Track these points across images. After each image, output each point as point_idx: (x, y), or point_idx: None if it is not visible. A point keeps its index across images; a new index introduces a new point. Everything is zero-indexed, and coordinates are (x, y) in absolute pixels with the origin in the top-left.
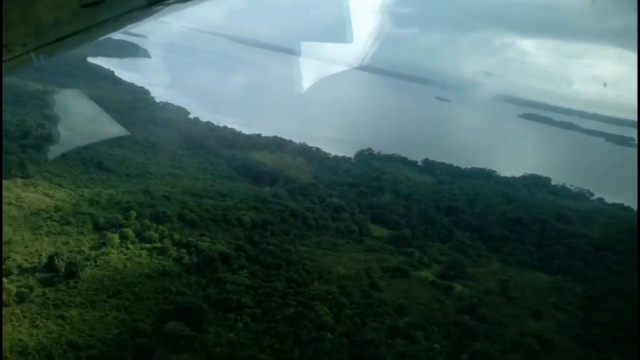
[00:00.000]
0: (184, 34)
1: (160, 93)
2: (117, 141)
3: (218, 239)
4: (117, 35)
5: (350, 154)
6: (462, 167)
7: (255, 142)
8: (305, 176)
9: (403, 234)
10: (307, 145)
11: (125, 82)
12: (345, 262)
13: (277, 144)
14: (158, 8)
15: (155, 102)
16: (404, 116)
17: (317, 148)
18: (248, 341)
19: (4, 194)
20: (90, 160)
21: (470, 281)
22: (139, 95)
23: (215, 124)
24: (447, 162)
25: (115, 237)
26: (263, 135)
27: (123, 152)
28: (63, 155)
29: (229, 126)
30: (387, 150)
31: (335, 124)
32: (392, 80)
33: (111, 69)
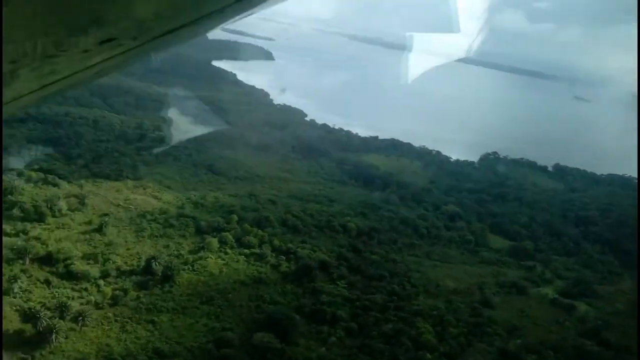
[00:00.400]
0: (309, 35)
1: (279, 95)
2: (230, 143)
3: (320, 246)
4: (244, 39)
5: (474, 157)
6: (598, 173)
7: (371, 144)
8: (421, 181)
9: (524, 246)
10: (426, 148)
11: (246, 84)
12: (456, 275)
13: (394, 147)
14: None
15: (273, 104)
16: (537, 116)
17: (437, 151)
18: (339, 358)
19: (115, 195)
20: (201, 163)
21: (596, 300)
22: (259, 97)
23: (331, 126)
24: (581, 167)
25: (214, 242)
26: (380, 137)
27: (235, 155)
28: (175, 158)
29: (345, 128)
30: (515, 154)
31: (460, 125)
32: (527, 79)
33: (234, 72)
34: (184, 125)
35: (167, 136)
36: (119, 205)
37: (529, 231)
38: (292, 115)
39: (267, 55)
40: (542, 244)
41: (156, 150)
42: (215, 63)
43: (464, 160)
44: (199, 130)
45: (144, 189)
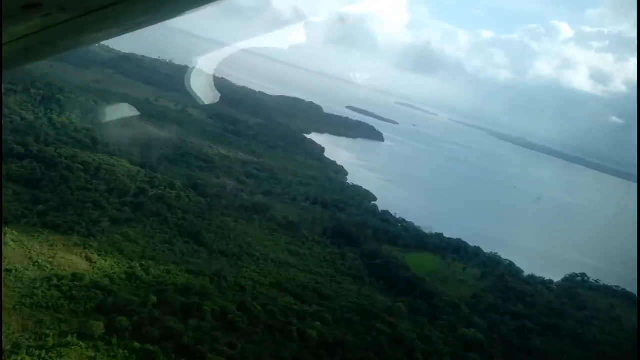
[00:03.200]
0: (441, 124)
1: (360, 176)
2: (249, 216)
3: (249, 355)
4: (364, 118)
5: (556, 276)
6: None
7: (429, 242)
8: (462, 293)
9: None
10: (497, 256)
11: (327, 159)
12: None
13: (456, 249)
14: None
15: (343, 182)
16: None
17: (510, 262)
18: None
19: (43, 250)
20: (190, 230)
21: None
22: (331, 173)
23: (393, 214)
24: None
25: (100, 326)
26: (447, 235)
27: (244, 228)
28: (162, 220)
29: (412, 221)
30: (612, 280)
31: (563, 235)
32: None
33: (324, 146)
34: (214, 189)
35: (177, 197)
36: (35, 262)
37: None
38: (354, 197)
39: (376, 136)
40: None
41: (145, 208)
42: (311, 135)
43: (539, 277)
44: (219, 195)
45: (85, 248)
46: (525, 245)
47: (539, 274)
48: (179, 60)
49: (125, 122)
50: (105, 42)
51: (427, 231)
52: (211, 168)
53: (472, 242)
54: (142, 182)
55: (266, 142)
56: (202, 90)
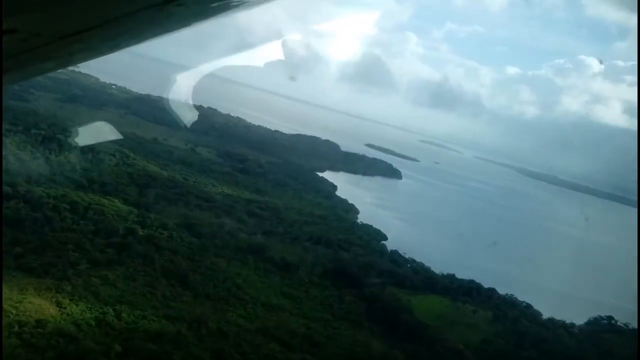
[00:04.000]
0: (467, 161)
1: (371, 214)
2: (244, 257)
3: None
4: (384, 156)
5: (579, 319)
6: None
7: (439, 283)
8: (469, 338)
9: None
10: (514, 298)
11: (338, 197)
12: None
13: (469, 290)
14: (175, 9)
15: (352, 221)
16: None
17: (527, 304)
18: None
19: (12, 294)
20: (176, 272)
21: None
22: (339, 211)
23: (402, 254)
24: None
25: None
26: (458, 276)
27: (238, 270)
28: (147, 262)
29: (424, 261)
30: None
31: (593, 278)
32: None
33: (337, 184)
34: (210, 229)
35: (169, 237)
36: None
37: None
38: (362, 236)
39: (394, 174)
40: None
41: (131, 249)
42: (325, 174)
43: (559, 321)
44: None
45: (58, 292)
46: (546, 286)
47: (559, 317)
48: (195, 101)
49: (125, 162)
50: (123, 84)
51: (437, 272)
52: (211, 207)
53: (487, 283)
54: (133, 222)
55: (274, 181)
56: (213, 129)
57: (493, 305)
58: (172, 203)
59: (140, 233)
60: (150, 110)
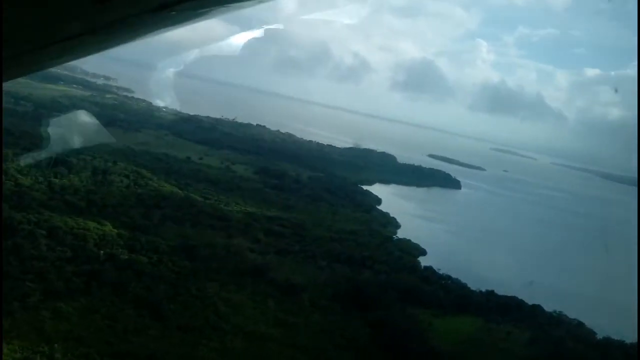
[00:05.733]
0: (542, 168)
1: (414, 228)
2: (240, 279)
3: None
4: (449, 168)
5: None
6: None
7: (473, 300)
8: None
9: None
10: (563, 315)
11: (379, 210)
12: None
13: (506, 308)
14: (171, 14)
15: (389, 236)
16: None
17: (579, 322)
18: None
19: None
20: (151, 301)
21: None
22: (376, 226)
23: (436, 269)
24: None
25: None
26: (499, 293)
27: (227, 295)
28: (119, 291)
29: (457, 276)
30: None
31: None
32: None
33: (381, 196)
34: (211, 250)
35: (157, 262)
36: None
37: None
38: (393, 252)
39: (452, 184)
40: None
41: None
42: (374, 186)
43: (617, 340)
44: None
45: None
46: (611, 302)
47: (619, 336)
48: (242, 118)
49: (138, 183)
50: (174, 106)
51: (475, 289)
52: (225, 227)
53: (534, 300)
54: (119, 246)
55: (310, 196)
56: (258, 146)
57: (534, 324)
58: (178, 223)
59: (123, 258)
60: (194, 130)
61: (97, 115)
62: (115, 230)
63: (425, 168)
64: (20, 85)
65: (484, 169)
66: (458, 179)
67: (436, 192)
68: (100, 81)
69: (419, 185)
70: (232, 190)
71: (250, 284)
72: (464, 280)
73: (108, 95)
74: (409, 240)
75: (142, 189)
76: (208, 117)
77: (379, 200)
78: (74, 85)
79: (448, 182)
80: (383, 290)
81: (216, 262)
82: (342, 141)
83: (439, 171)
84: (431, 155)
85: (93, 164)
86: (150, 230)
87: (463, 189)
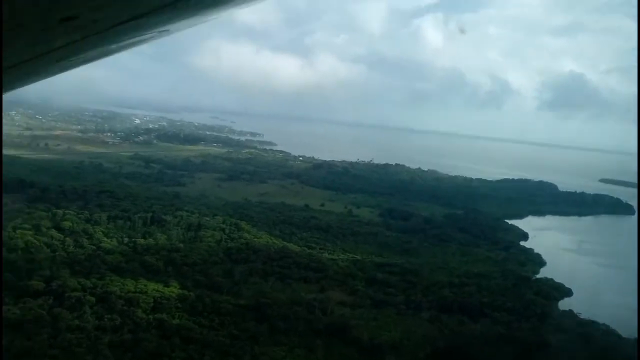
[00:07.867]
0: None
1: (565, 264)
2: (319, 339)
3: None
4: (627, 191)
5: None
6: None
7: (609, 353)
8: None
9: None
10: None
11: (521, 246)
12: None
13: None
14: (181, 5)
15: (525, 276)
16: None
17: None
18: None
19: None
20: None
21: None
22: (512, 266)
23: (577, 313)
24: None
25: None
26: None
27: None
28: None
29: (605, 321)
30: None
31: None
32: None
33: (529, 231)
34: (290, 308)
35: (219, 325)
36: None
37: None
38: (525, 294)
39: (623, 210)
40: None
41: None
42: (525, 219)
43: None
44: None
45: None
46: None
47: None
48: (380, 159)
49: (231, 236)
50: (308, 154)
51: (626, 336)
52: (319, 278)
53: None
54: (180, 309)
55: (437, 237)
56: (392, 186)
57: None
58: (263, 278)
59: (172, 322)
60: (324, 175)
61: (223, 171)
62: (177, 291)
63: (589, 194)
64: (157, 149)
65: None
66: (630, 203)
67: (601, 221)
68: (244, 137)
69: (580, 214)
70: (344, 237)
71: (323, 346)
72: (613, 327)
73: (245, 150)
74: (551, 280)
75: (233, 243)
76: (343, 161)
77: (524, 236)
78: (214, 144)
79: (618, 208)
80: (495, 346)
81: (291, 321)
82: (493, 173)
83: (607, 196)
84: (603, 180)
85: (189, 220)
86: (226, 288)
87: (636, 215)
